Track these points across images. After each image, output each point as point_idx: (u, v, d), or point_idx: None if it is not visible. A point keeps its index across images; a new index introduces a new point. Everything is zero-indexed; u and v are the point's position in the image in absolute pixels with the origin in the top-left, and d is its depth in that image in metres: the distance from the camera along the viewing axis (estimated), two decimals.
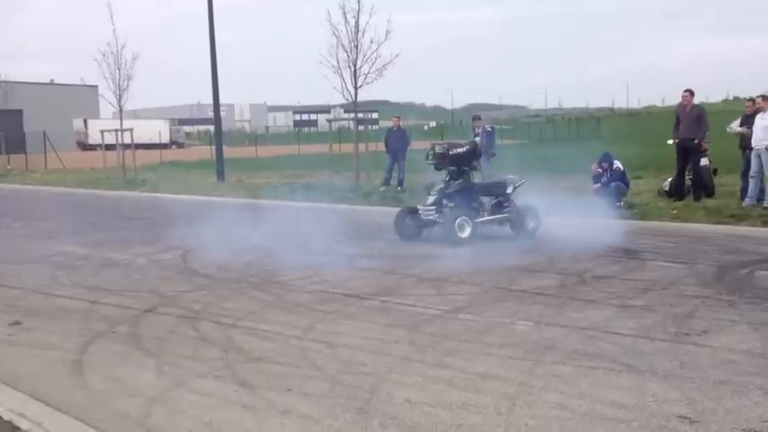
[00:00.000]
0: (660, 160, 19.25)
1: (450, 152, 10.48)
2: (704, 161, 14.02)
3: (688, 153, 13.56)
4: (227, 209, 15.82)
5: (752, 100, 13.46)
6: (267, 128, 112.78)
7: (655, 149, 22.79)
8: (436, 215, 10.34)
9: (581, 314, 6.32)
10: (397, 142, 18.43)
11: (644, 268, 8.27)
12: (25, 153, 36.63)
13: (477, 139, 15.77)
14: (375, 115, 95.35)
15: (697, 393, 4.40)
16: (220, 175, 23.37)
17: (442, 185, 10.61)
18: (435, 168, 10.77)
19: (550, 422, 4.06)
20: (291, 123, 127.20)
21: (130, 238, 11.49)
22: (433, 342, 5.64)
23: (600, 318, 6.18)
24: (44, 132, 36.10)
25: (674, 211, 12.48)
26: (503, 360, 5.15)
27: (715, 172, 14.62)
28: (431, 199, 10.48)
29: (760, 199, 12.51)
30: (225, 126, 47.48)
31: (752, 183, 12.67)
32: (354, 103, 19.67)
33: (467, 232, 10.05)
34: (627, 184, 13.86)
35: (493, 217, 10.62)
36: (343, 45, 18.84)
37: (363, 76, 18.92)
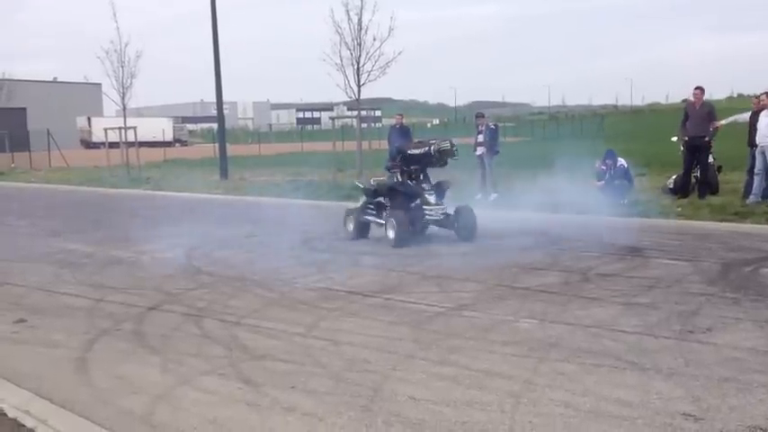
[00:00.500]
0: (664, 157, 19.23)
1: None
2: (709, 158, 14.00)
3: (697, 151, 13.53)
4: (230, 207, 15.84)
5: (758, 97, 13.43)
6: (270, 125, 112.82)
7: (659, 147, 22.77)
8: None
9: (585, 312, 6.31)
10: (399, 140, 18.40)
11: (648, 266, 8.26)
12: (29, 151, 36.71)
13: (480, 137, 15.78)
14: (378, 113, 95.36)
15: (701, 391, 4.39)
16: (224, 173, 23.40)
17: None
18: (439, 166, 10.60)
19: (555, 420, 4.05)
20: (295, 121, 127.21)
21: (134, 236, 11.49)
22: (437, 339, 5.64)
23: (604, 315, 6.17)
24: (48, 130, 36.17)
25: (679, 209, 12.47)
26: (507, 358, 5.15)
27: (719, 169, 14.59)
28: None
29: (765, 196, 12.48)
30: (228, 124, 47.53)
31: (756, 180, 12.65)
32: (357, 100, 19.69)
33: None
34: (631, 182, 13.84)
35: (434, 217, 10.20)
36: (346, 42, 18.92)
37: (366, 74, 18.99)
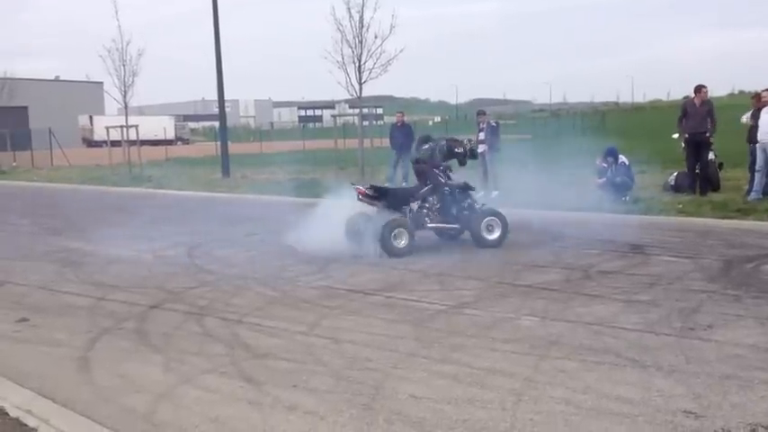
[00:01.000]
0: (665, 154, 19.20)
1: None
2: (710, 155, 13.99)
3: (698, 147, 13.53)
4: (232, 205, 15.85)
5: (757, 94, 13.42)
6: (272, 123, 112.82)
7: (660, 144, 22.74)
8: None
9: (586, 309, 6.31)
10: (401, 138, 18.42)
11: (649, 263, 8.26)
12: (31, 150, 36.76)
13: (482, 135, 15.78)
14: (380, 110, 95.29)
15: (702, 388, 4.39)
16: (225, 171, 23.41)
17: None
18: (460, 164, 10.32)
19: (556, 417, 4.06)
20: (296, 119, 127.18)
21: (136, 235, 11.51)
22: (439, 337, 5.64)
23: (605, 313, 6.18)
24: (49, 129, 36.20)
25: (680, 206, 12.46)
26: (508, 355, 5.16)
27: (720, 166, 14.58)
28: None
29: (766, 193, 12.48)
30: (230, 122, 47.54)
31: (757, 177, 12.65)
32: (359, 98, 19.68)
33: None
34: (632, 179, 13.83)
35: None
36: (347, 40, 18.87)
37: (368, 72, 18.95)
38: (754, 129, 12.83)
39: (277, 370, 5.01)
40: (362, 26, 18.73)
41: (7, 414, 4.46)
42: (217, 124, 33.60)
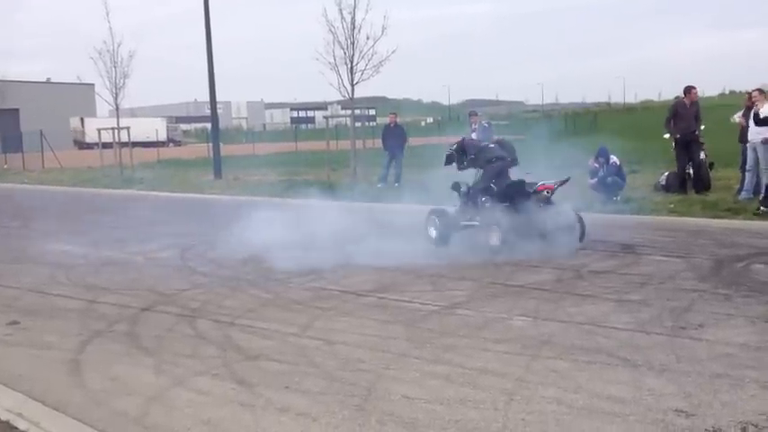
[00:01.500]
0: (657, 155, 19.27)
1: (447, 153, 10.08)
2: (701, 155, 14.06)
3: (689, 146, 13.61)
4: (224, 207, 15.82)
5: (749, 94, 13.48)
6: (264, 125, 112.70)
7: (651, 144, 22.81)
8: (476, 219, 9.48)
9: (578, 309, 6.33)
10: (393, 139, 18.45)
11: (641, 263, 8.29)
12: (22, 152, 36.61)
13: (474, 135, 15.81)
14: (372, 112, 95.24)
15: (693, 387, 4.41)
16: (217, 173, 23.37)
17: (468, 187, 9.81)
18: (459, 169, 10.12)
19: (547, 417, 4.07)
20: (288, 120, 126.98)
21: (128, 237, 11.49)
22: (431, 338, 5.65)
23: (597, 312, 6.19)
24: (41, 131, 36.02)
25: (671, 205, 12.51)
26: (500, 355, 5.17)
27: (711, 166, 14.63)
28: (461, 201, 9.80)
29: (756, 192, 12.53)
30: (222, 124, 47.47)
31: (747, 176, 12.70)
32: (351, 99, 19.69)
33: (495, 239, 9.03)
34: (623, 179, 13.87)
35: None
36: (339, 42, 18.88)
37: (360, 73, 18.96)
38: (746, 129, 12.89)
39: (269, 371, 5.01)
40: (354, 28, 18.76)
41: None
42: (209, 126, 33.54)
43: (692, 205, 12.36)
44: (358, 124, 21.00)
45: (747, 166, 12.69)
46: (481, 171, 9.78)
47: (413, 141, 19.87)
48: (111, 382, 4.96)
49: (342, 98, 20.37)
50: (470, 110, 18.61)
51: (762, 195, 11.72)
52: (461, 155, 9.94)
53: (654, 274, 7.62)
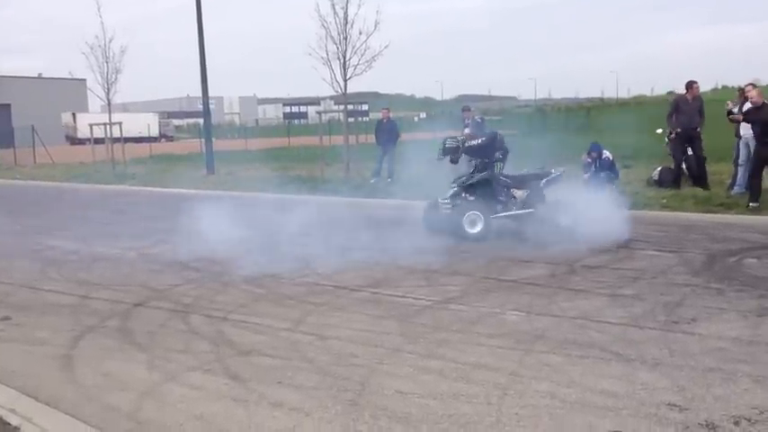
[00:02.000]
0: (650, 149, 19.31)
1: (466, 144, 10.31)
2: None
3: (690, 141, 13.64)
4: (217, 202, 15.75)
5: (742, 89, 13.51)
6: (257, 120, 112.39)
7: (644, 139, 22.85)
8: (451, 208, 10.03)
9: (571, 304, 6.34)
10: (386, 134, 18.43)
11: (633, 257, 8.31)
12: (14, 147, 36.36)
13: (467, 130, 15.79)
14: (365, 107, 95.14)
15: (686, 381, 4.43)
16: (210, 168, 23.29)
17: (463, 178, 10.36)
18: (452, 162, 10.56)
19: (541, 411, 4.08)
20: (281, 115, 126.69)
21: (120, 232, 11.44)
22: (424, 333, 5.65)
23: (590, 307, 6.21)
24: (32, 127, 35.82)
25: (664, 200, 12.54)
26: (493, 350, 5.17)
27: (704, 160, 14.65)
28: (450, 192, 10.24)
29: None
30: (214, 119, 47.39)
31: (740, 171, 12.75)
32: (344, 94, 19.62)
33: (477, 227, 9.73)
34: (616, 174, 13.90)
35: (511, 212, 10.12)
36: (332, 36, 18.77)
37: (353, 68, 18.87)
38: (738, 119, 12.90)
39: (262, 366, 5.00)
40: (347, 22, 18.65)
41: None
42: (201, 121, 33.45)
43: (685, 200, 12.40)
44: (351, 119, 20.95)
45: (740, 161, 12.73)
46: (486, 164, 10.26)
47: (405, 137, 19.84)
48: (104, 377, 4.94)
49: (334, 93, 20.32)
50: (463, 105, 18.55)
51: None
52: (487, 149, 10.25)
53: (647, 268, 7.64)
